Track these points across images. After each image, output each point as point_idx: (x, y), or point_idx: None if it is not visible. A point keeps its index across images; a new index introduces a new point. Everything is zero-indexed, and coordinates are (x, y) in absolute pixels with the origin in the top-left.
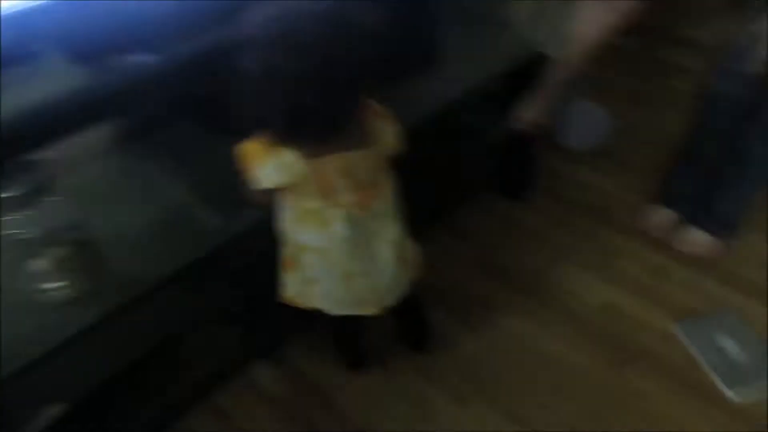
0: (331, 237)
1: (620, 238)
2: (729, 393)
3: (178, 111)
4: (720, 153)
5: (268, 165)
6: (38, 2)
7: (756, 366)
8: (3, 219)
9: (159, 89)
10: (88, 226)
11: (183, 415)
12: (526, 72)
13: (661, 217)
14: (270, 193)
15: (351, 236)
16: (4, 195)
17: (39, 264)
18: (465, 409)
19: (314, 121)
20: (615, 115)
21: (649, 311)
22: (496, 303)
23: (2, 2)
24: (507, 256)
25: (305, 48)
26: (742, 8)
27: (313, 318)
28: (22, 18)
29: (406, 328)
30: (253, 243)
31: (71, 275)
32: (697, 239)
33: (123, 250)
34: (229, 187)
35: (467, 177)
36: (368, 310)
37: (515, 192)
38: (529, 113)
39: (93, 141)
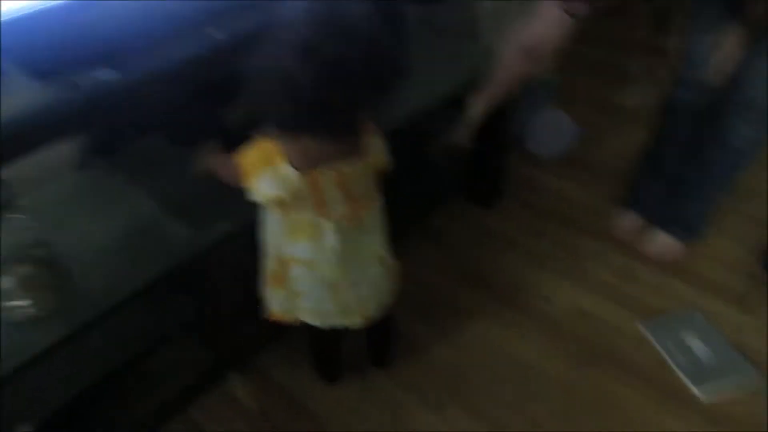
0: (322, 248)
1: (588, 242)
2: (696, 392)
3: (143, 125)
4: (681, 159)
5: (264, 177)
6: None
7: (722, 365)
8: None
9: (123, 105)
10: (53, 244)
11: (157, 431)
12: None
13: (628, 221)
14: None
15: (340, 247)
16: None
17: (4, 282)
18: (440, 415)
19: (341, 110)
20: (581, 122)
21: (618, 313)
22: (469, 309)
23: (2, 4)
24: (479, 263)
25: (352, 33)
26: (700, 18)
27: (287, 329)
28: None
29: (374, 343)
30: (222, 255)
31: (37, 293)
32: (663, 242)
33: (89, 266)
34: (196, 199)
35: (437, 185)
36: (354, 321)
37: (485, 199)
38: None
39: (58, 157)
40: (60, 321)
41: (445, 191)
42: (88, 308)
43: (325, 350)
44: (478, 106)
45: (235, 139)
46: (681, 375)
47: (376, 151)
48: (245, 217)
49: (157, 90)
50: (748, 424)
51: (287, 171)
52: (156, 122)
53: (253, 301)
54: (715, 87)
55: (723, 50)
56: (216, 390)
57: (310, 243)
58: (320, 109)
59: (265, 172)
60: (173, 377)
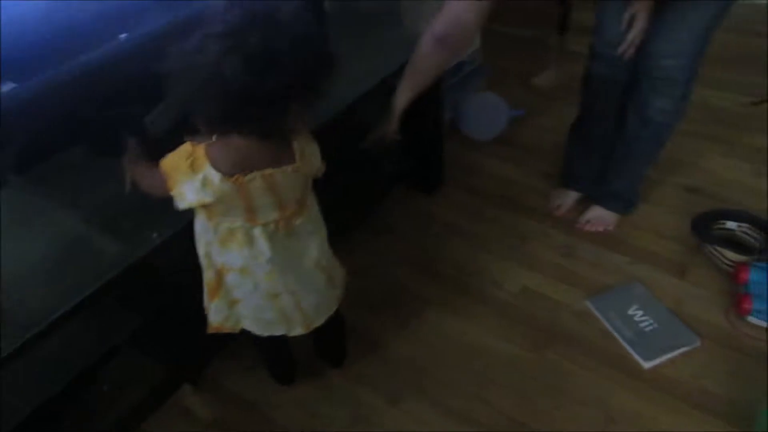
0: (255, 256)
1: (530, 222)
2: (642, 362)
3: (57, 137)
4: (606, 134)
5: (189, 183)
6: None
7: (664, 334)
8: None
9: (29, 117)
10: None
11: None
12: None
13: (564, 198)
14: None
15: (274, 255)
16: None
17: None
18: (400, 408)
19: (270, 102)
20: (513, 102)
21: (564, 291)
22: (421, 298)
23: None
24: (426, 251)
25: (277, 22)
26: None
27: (236, 338)
28: None
29: (325, 345)
30: (157, 266)
31: None
32: (599, 216)
33: (19, 286)
34: (122, 210)
35: (377, 176)
36: (296, 330)
37: (427, 186)
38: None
39: None
40: None
41: (387, 181)
42: (20, 331)
43: (274, 354)
44: (400, 96)
45: (157, 145)
46: (626, 345)
47: (309, 157)
48: (176, 225)
49: (64, 98)
50: (689, 385)
51: (212, 176)
52: (71, 133)
53: (197, 310)
54: (627, 60)
55: (636, 22)
56: (169, 403)
57: (242, 250)
58: (248, 102)
59: (190, 177)
60: (124, 394)
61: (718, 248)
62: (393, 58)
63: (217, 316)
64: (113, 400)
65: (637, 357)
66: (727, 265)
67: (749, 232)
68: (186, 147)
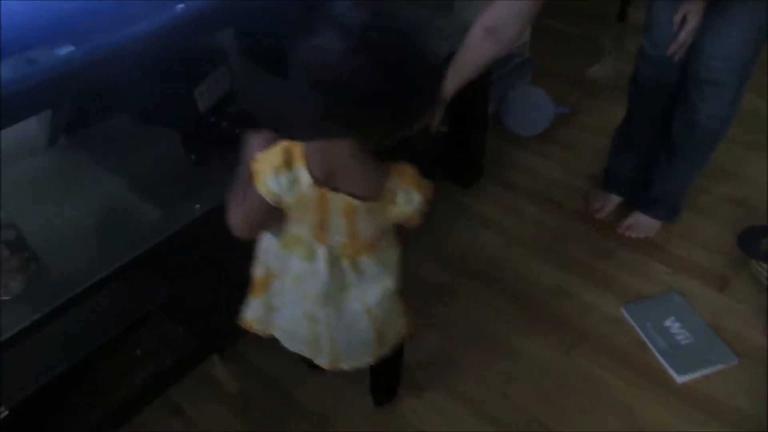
0: (312, 271)
1: (567, 222)
2: (673, 373)
3: (110, 103)
4: (652, 138)
5: (280, 176)
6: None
7: (699, 347)
8: None
9: (84, 81)
10: (22, 226)
11: (137, 413)
12: None
13: (606, 201)
14: (264, 209)
15: (330, 281)
16: None
17: None
18: (424, 400)
19: (390, 106)
20: (560, 100)
21: (598, 295)
22: (451, 291)
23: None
24: (460, 243)
25: (403, 30)
26: None
27: None
28: None
29: (373, 381)
30: (198, 238)
31: (6, 276)
32: (641, 222)
33: (59, 249)
34: (167, 180)
35: (416, 164)
36: (321, 360)
37: (465, 179)
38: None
39: (24, 137)
40: (32, 304)
41: (425, 171)
42: (58, 292)
43: None
44: (447, 86)
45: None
46: (659, 357)
47: (399, 202)
48: (219, 199)
49: (120, 66)
50: (722, 404)
51: (304, 178)
52: (124, 100)
53: (231, 285)
54: (676, 62)
55: (687, 22)
56: (196, 373)
57: (302, 261)
58: (369, 106)
59: (281, 171)
60: (154, 360)
61: (765, 264)
62: (442, 47)
63: (252, 313)
64: (142, 364)
65: (670, 370)
66: None
67: None
68: (283, 143)
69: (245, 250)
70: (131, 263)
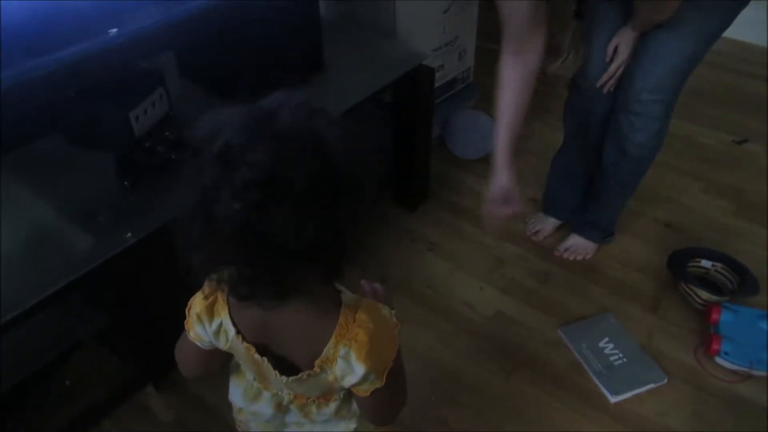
0: (255, 412)
1: (508, 245)
2: (609, 395)
3: (40, 125)
4: (587, 163)
5: (205, 327)
6: None
7: (632, 368)
8: None
9: (15, 105)
10: None
11: None
12: (411, 82)
13: (544, 224)
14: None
15: (274, 420)
16: None
17: None
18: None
19: (273, 243)
20: None
21: (536, 318)
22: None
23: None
24: (401, 266)
25: (290, 136)
26: (594, 23)
27: None
28: None
29: None
30: (130, 266)
31: None
32: (578, 245)
33: None
34: (99, 206)
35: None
36: None
37: (410, 201)
38: None
39: None
40: None
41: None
42: None
43: None
44: (499, 141)
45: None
46: (594, 378)
47: (341, 375)
48: (150, 226)
49: (48, 90)
50: (653, 423)
51: (229, 327)
52: (56, 121)
53: (165, 313)
54: (606, 93)
55: (618, 54)
56: (130, 402)
57: (245, 393)
58: (240, 240)
59: (204, 321)
60: (86, 390)
61: (692, 286)
62: (384, 69)
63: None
64: (74, 395)
65: (604, 390)
66: (700, 303)
67: (723, 272)
68: (208, 285)
69: (180, 282)
70: (59, 292)
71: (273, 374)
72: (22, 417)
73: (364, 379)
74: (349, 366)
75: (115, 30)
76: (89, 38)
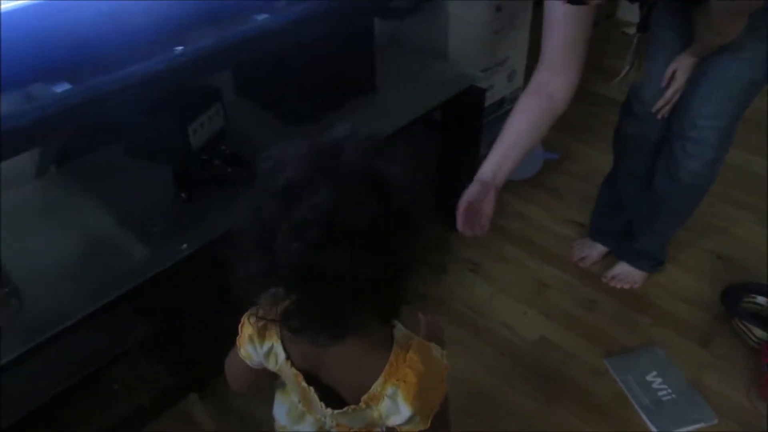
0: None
1: (553, 270)
2: (653, 430)
3: (103, 138)
4: (636, 191)
5: (257, 348)
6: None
7: (681, 405)
8: None
9: (82, 119)
10: (4, 258)
11: None
12: (461, 102)
13: (591, 250)
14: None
15: None
16: None
17: None
18: None
19: (326, 281)
20: (548, 145)
21: (581, 346)
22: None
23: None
24: (445, 287)
25: (351, 177)
26: (651, 47)
27: None
28: None
29: None
30: (183, 278)
31: None
32: (627, 273)
33: (43, 282)
34: (156, 217)
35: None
36: None
37: (450, 220)
38: None
39: (11, 167)
40: (12, 340)
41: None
42: (37, 329)
43: None
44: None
45: None
46: (640, 412)
47: (386, 413)
48: (206, 238)
49: (114, 104)
50: None
51: (279, 351)
52: (117, 134)
53: (214, 324)
54: (660, 118)
55: (675, 79)
56: (173, 410)
57: (289, 412)
58: (297, 276)
59: (255, 339)
60: (130, 397)
61: (746, 323)
62: (434, 90)
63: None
64: (119, 400)
65: (651, 426)
66: (754, 341)
67: None
68: (262, 307)
69: (230, 295)
70: (113, 302)
71: (318, 404)
72: (71, 420)
73: (409, 420)
74: (395, 406)
75: (180, 48)
76: (156, 55)
